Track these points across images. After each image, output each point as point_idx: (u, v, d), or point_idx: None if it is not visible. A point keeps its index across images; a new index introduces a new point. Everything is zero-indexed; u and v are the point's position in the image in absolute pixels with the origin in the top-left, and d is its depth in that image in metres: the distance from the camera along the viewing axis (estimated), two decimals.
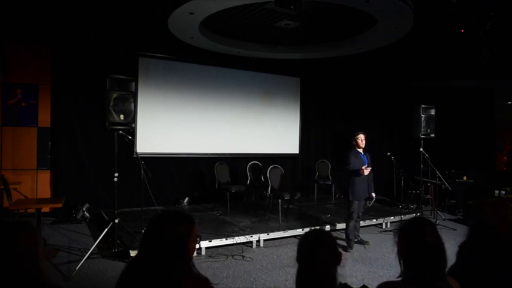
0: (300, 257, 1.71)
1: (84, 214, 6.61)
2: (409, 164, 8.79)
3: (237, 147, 8.53)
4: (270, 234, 5.70)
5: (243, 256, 5.05)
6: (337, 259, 1.67)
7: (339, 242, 5.45)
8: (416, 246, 1.65)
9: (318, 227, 1.87)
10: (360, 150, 5.63)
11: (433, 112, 7.28)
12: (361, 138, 5.62)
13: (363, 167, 5.45)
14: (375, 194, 5.76)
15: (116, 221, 4.90)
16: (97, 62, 7.04)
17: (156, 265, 1.52)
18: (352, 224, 5.49)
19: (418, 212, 7.31)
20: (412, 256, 1.66)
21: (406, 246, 1.68)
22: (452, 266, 1.98)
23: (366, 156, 5.65)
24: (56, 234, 5.84)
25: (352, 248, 5.45)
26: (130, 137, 5.12)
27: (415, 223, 1.75)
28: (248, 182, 7.95)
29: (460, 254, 2.04)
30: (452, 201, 8.51)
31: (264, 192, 8.13)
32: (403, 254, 1.70)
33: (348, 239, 5.51)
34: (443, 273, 1.65)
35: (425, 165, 7.19)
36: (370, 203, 6.03)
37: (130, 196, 7.07)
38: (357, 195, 5.49)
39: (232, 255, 5.08)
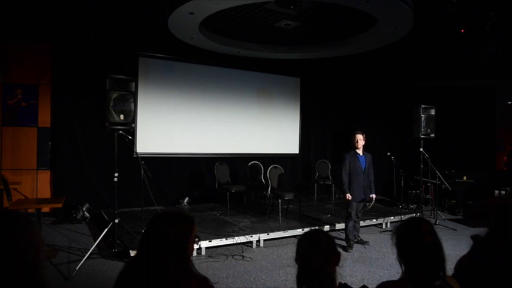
0: (299, 258, 1.71)
1: (84, 214, 6.61)
2: (409, 164, 8.79)
3: (237, 147, 8.53)
4: (270, 234, 5.71)
5: (243, 256, 5.05)
6: (335, 259, 1.67)
7: (339, 242, 5.45)
8: (414, 246, 1.65)
9: (316, 227, 1.87)
10: (359, 151, 5.52)
11: (433, 112, 7.28)
12: (356, 139, 5.48)
13: (347, 195, 5.41)
14: (376, 194, 5.70)
15: (116, 221, 4.90)
16: (97, 62, 7.04)
17: (155, 265, 1.52)
18: (351, 224, 5.47)
19: (418, 212, 7.30)
20: (411, 256, 1.66)
21: (405, 246, 1.69)
22: (464, 256, 1.97)
23: (365, 158, 5.53)
24: (56, 234, 5.84)
25: (351, 248, 5.44)
26: (130, 137, 5.12)
27: (412, 223, 1.75)
28: (248, 182, 7.95)
29: (474, 247, 2.01)
30: (453, 201, 8.51)
31: (264, 192, 8.14)
32: (402, 254, 1.70)
33: (347, 239, 5.50)
34: (443, 272, 1.65)
35: (425, 165, 7.19)
36: (370, 205, 5.98)
37: (130, 196, 7.07)
38: (353, 195, 5.43)
39: (232, 255, 5.08)
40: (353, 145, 5.54)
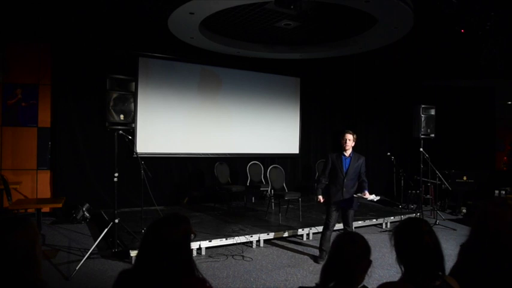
0: (333, 250, 1.70)
1: (84, 214, 6.61)
2: (409, 164, 8.79)
3: (237, 147, 8.52)
4: (270, 234, 5.70)
5: (243, 256, 5.05)
6: (366, 264, 1.67)
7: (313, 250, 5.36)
8: (414, 247, 1.65)
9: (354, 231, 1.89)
10: (344, 153, 4.87)
11: (433, 112, 7.28)
12: (345, 138, 4.83)
13: (319, 197, 4.92)
14: (369, 193, 4.85)
15: (116, 221, 4.90)
16: (97, 62, 7.04)
17: (155, 266, 1.53)
18: (328, 233, 4.93)
19: (418, 212, 7.30)
20: (411, 256, 1.66)
21: (404, 247, 1.69)
22: (454, 266, 1.98)
23: (351, 160, 4.85)
24: (56, 234, 5.84)
25: (323, 260, 4.77)
26: (130, 137, 5.12)
27: (411, 224, 1.76)
28: (248, 182, 7.95)
29: (461, 254, 2.04)
30: (453, 201, 8.51)
31: (264, 192, 8.14)
32: (402, 255, 1.70)
33: (321, 249, 4.98)
34: (443, 272, 1.66)
35: (425, 165, 7.18)
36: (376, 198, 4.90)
37: (130, 196, 7.07)
38: (332, 201, 4.91)
39: (232, 255, 5.08)
40: (341, 146, 4.90)
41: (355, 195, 4.90)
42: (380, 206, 8.21)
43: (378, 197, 4.87)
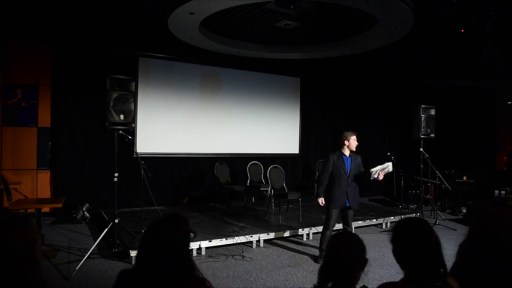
0: (329, 250, 1.72)
1: (84, 214, 6.61)
2: (409, 164, 8.79)
3: (237, 147, 8.53)
4: (270, 234, 5.70)
5: (243, 256, 5.05)
6: (363, 263, 1.66)
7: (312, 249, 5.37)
8: (416, 247, 1.65)
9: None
10: (345, 152, 4.89)
11: (433, 112, 7.28)
12: (354, 139, 4.87)
13: (320, 200, 4.90)
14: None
15: (116, 221, 4.90)
16: (97, 62, 7.04)
17: (155, 267, 1.53)
18: (328, 233, 4.87)
19: (418, 212, 7.30)
20: (413, 257, 1.66)
21: (406, 247, 1.68)
22: (453, 266, 1.98)
23: (352, 160, 4.89)
24: (56, 234, 5.84)
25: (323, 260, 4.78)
26: (130, 137, 5.12)
27: (412, 224, 1.76)
28: (248, 182, 7.95)
29: (460, 254, 2.04)
30: (453, 201, 8.51)
31: (264, 192, 8.14)
32: (403, 255, 1.70)
33: (320, 249, 4.93)
34: (445, 271, 1.66)
35: (425, 165, 7.18)
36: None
37: (130, 196, 7.07)
38: (336, 202, 4.85)
39: (232, 255, 5.07)
40: (342, 145, 4.90)
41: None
42: (380, 206, 8.22)
43: (390, 163, 4.91)
